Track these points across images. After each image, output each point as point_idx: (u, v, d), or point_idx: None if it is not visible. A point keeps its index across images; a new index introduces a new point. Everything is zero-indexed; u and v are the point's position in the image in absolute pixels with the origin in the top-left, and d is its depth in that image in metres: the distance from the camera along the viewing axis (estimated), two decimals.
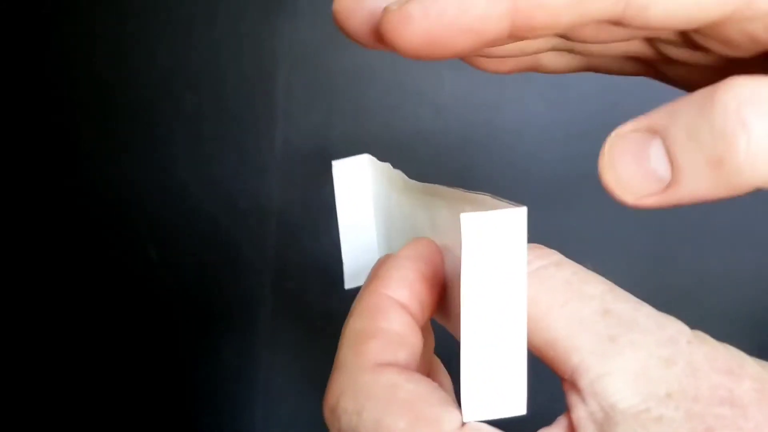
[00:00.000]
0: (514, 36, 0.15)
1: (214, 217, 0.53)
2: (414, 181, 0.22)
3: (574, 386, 0.15)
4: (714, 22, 0.16)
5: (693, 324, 0.16)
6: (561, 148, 0.49)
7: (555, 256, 0.17)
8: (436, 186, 0.20)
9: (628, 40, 0.18)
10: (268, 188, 0.52)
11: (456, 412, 0.16)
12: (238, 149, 0.52)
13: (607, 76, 0.22)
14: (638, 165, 0.16)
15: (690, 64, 0.19)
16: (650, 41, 0.19)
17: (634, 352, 0.15)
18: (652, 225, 0.49)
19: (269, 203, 0.52)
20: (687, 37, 0.17)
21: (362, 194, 0.24)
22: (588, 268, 0.17)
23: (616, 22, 0.16)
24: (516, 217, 0.15)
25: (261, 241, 0.52)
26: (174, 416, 0.55)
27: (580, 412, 0.15)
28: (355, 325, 0.17)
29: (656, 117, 0.16)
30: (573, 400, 0.15)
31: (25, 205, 0.53)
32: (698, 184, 0.15)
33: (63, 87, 0.52)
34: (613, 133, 0.16)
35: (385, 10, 0.15)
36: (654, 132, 0.15)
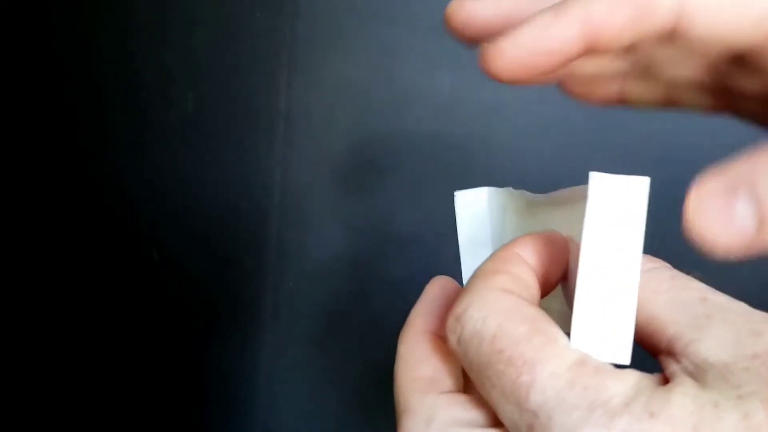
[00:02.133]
0: (589, 51, 0.19)
1: (214, 218, 0.53)
2: (536, 195, 0.24)
3: (670, 352, 0.17)
4: (752, 45, 0.19)
5: None
6: (561, 148, 0.49)
7: (666, 264, 0.20)
8: (556, 192, 0.22)
9: (692, 67, 0.21)
10: (268, 188, 0.52)
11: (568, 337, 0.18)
12: (239, 149, 0.52)
13: None
14: (726, 221, 0.17)
15: (754, 98, 0.21)
16: (713, 71, 0.21)
17: (725, 325, 0.17)
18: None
19: (269, 203, 0.52)
20: (740, 67, 0.20)
21: (481, 223, 0.27)
22: None
23: (671, 36, 0.19)
24: (639, 185, 0.18)
25: (261, 241, 0.53)
26: (174, 416, 0.55)
27: (673, 367, 0.17)
28: (485, 266, 0.20)
29: (739, 172, 0.17)
30: (666, 362, 0.17)
31: (27, 205, 0.53)
32: None
33: (64, 87, 0.52)
34: (696, 187, 0.18)
35: (483, 47, 0.19)
36: (737, 188, 0.17)
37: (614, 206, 0.18)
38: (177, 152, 0.52)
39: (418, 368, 0.20)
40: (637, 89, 0.23)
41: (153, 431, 0.55)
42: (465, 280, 0.26)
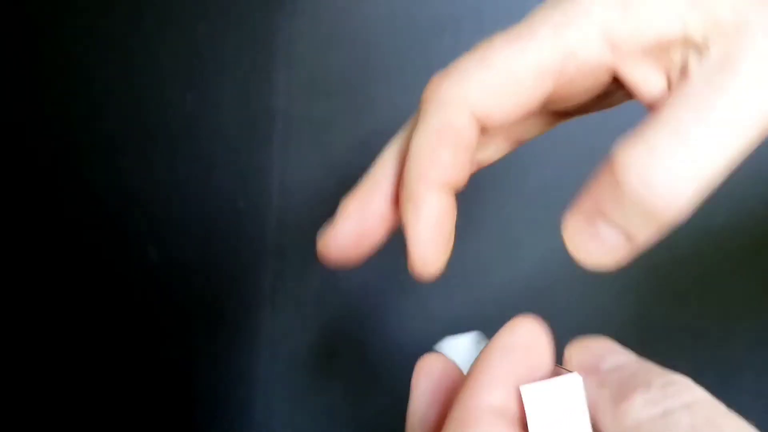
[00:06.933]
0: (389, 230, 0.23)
1: (214, 217, 0.53)
2: None
3: None
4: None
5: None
6: (560, 147, 0.49)
7: (687, 393, 0.16)
8: None
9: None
10: (268, 188, 0.52)
11: None
12: (238, 149, 0.52)
13: None
14: (602, 246, 0.20)
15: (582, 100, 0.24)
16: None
17: None
18: None
19: (269, 203, 0.52)
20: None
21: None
22: None
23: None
24: (573, 384, 0.18)
25: (259, 241, 0.53)
26: (173, 416, 0.55)
27: None
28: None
29: (586, 206, 0.21)
30: None
31: (24, 205, 0.53)
32: (648, 234, 0.20)
33: (61, 86, 0.52)
34: (563, 230, 0.21)
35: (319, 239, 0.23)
36: (593, 217, 0.20)
37: (554, 413, 0.17)
38: (175, 152, 0.52)
39: None
40: (486, 154, 0.26)
41: None
42: None
